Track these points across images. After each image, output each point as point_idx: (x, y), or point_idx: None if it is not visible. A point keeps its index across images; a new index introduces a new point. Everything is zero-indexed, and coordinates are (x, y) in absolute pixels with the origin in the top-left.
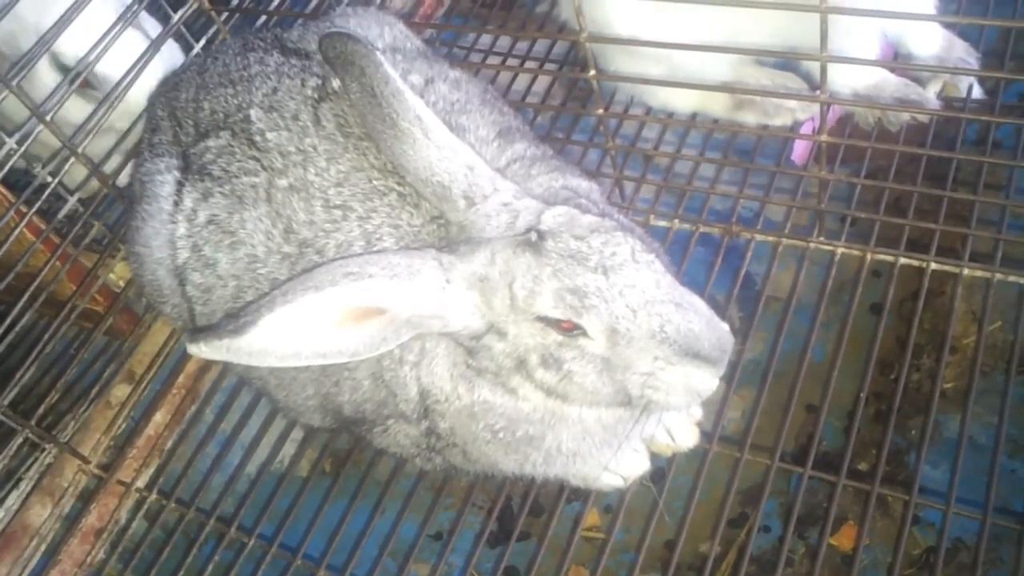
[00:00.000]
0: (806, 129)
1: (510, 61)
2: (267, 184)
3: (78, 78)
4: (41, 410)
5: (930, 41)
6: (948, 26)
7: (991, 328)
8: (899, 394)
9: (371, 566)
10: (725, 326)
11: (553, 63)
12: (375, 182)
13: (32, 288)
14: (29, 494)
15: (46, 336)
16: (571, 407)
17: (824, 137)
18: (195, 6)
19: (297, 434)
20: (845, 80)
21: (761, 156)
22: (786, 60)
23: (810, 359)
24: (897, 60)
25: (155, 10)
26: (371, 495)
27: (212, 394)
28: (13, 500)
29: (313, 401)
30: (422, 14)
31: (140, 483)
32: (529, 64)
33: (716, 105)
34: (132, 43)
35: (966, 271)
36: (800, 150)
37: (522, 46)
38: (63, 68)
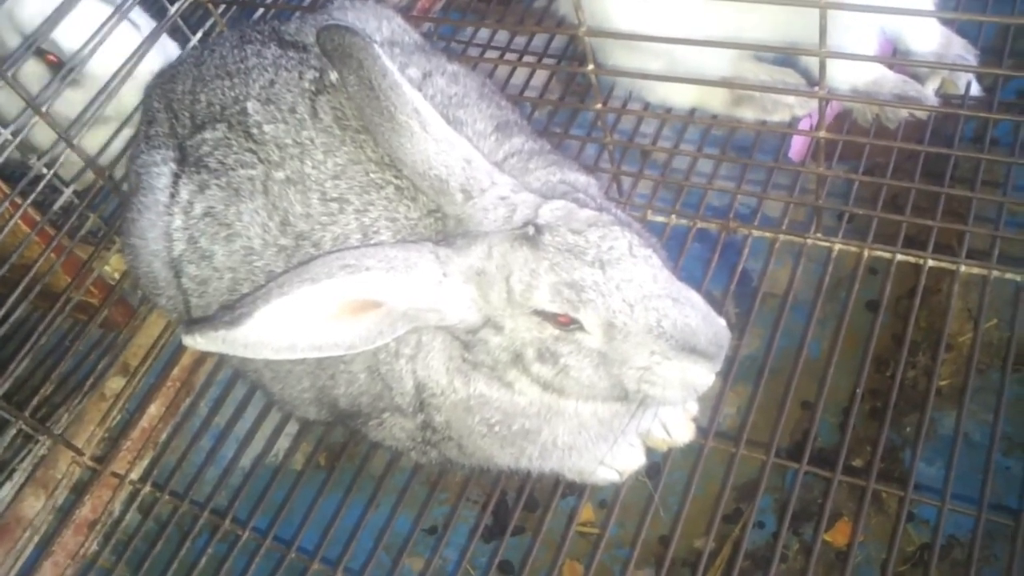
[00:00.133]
0: (804, 126)
1: (508, 56)
2: (264, 176)
3: (36, 48)
4: (35, 402)
5: (929, 38)
6: (946, 23)
7: (987, 326)
8: (895, 391)
9: (365, 559)
10: (722, 321)
11: (551, 58)
12: (372, 175)
13: (27, 280)
14: (23, 485)
15: (40, 328)
16: (567, 401)
17: (822, 133)
18: None
19: (292, 428)
20: (844, 76)
21: (759, 152)
22: (785, 56)
23: (806, 356)
24: (896, 57)
25: (152, 2)
26: (366, 489)
27: (207, 387)
28: (7, 491)
29: (309, 394)
30: (420, 8)
31: (134, 475)
32: (527, 59)
33: (715, 101)
34: (93, 14)
35: (963, 268)
36: (797, 147)
37: (520, 41)
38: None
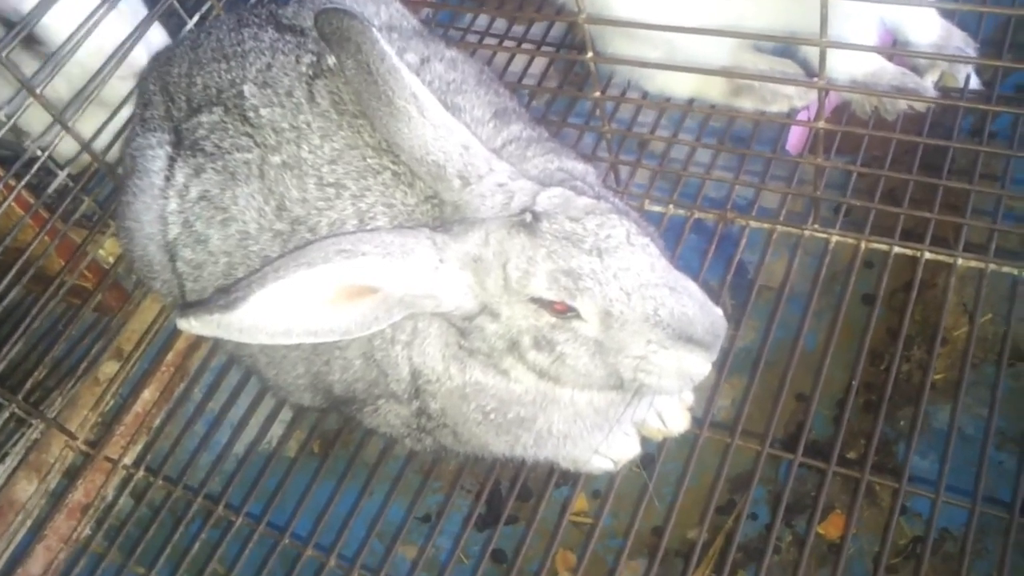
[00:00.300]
0: (802, 118)
1: (506, 43)
2: (260, 161)
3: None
4: (28, 385)
5: (929, 29)
6: (947, 15)
7: (982, 320)
8: (890, 384)
9: (358, 547)
10: (719, 311)
11: (550, 46)
12: (369, 160)
13: (20, 263)
14: (15, 469)
15: (34, 311)
16: (563, 389)
17: (821, 124)
18: None
19: (286, 415)
20: (843, 67)
21: (757, 143)
22: (784, 47)
23: (802, 348)
24: (896, 48)
25: None
26: (359, 476)
27: (201, 373)
28: None
29: (303, 380)
30: None
31: (127, 460)
32: (525, 46)
33: (713, 91)
34: None
35: (960, 261)
36: (795, 140)
37: (518, 29)
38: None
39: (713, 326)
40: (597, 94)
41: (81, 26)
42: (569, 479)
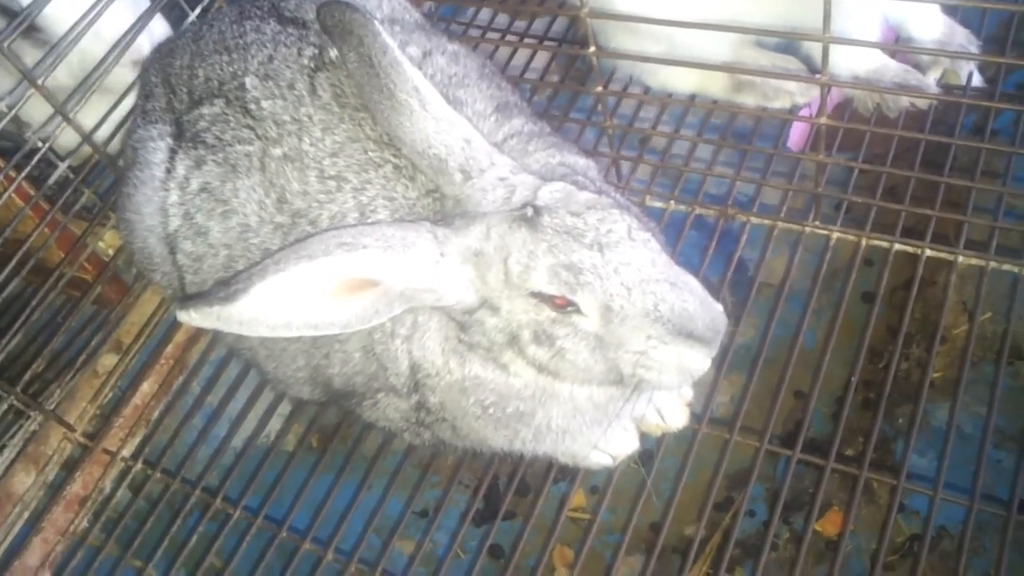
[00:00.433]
0: (804, 115)
1: (508, 38)
2: (261, 153)
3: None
4: (27, 377)
5: (931, 26)
6: (950, 12)
7: (982, 319)
8: (888, 382)
9: (356, 541)
10: (719, 306)
11: (552, 41)
12: (371, 153)
13: (20, 254)
14: (13, 461)
15: (33, 303)
16: (562, 384)
17: (823, 120)
18: None
19: (284, 408)
20: (845, 64)
21: (759, 140)
22: (786, 43)
23: (801, 345)
24: (898, 44)
25: None
26: (357, 471)
27: (200, 366)
28: None
29: (303, 373)
30: None
31: (125, 452)
32: (528, 41)
33: (715, 86)
34: None
35: (960, 258)
36: (796, 137)
37: (521, 24)
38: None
39: (713, 322)
40: (599, 89)
41: (84, 16)
42: (567, 475)
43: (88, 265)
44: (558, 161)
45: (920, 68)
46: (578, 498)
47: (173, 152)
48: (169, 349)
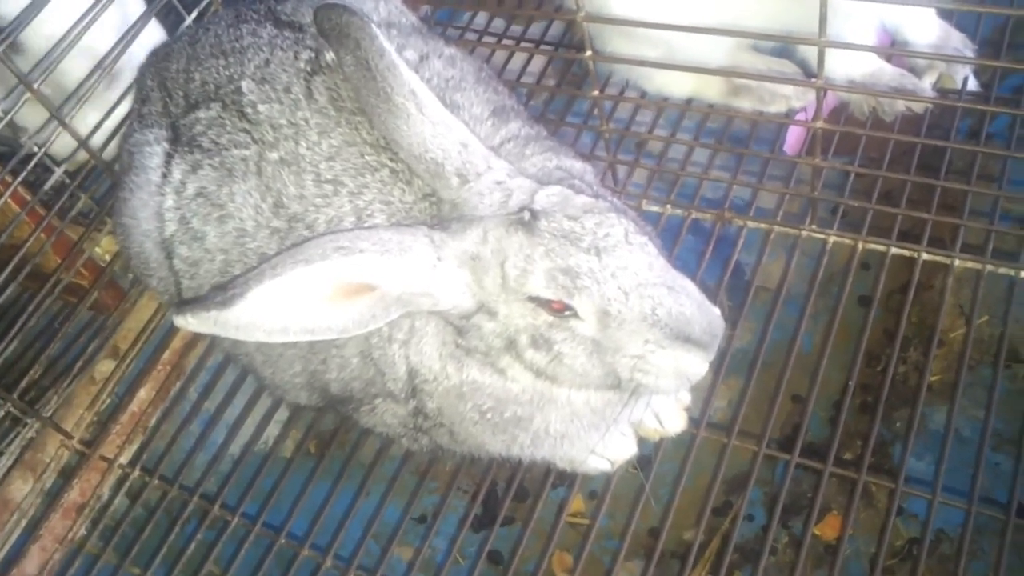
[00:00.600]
0: (800, 119)
1: (505, 42)
2: (257, 157)
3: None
4: (24, 384)
5: (927, 30)
6: (945, 16)
7: (979, 322)
8: (886, 386)
9: (354, 548)
10: (716, 310)
11: (548, 45)
12: (367, 157)
13: (16, 260)
14: (10, 469)
15: (30, 309)
16: (560, 389)
17: (819, 124)
18: None
19: (282, 415)
20: (841, 68)
21: (755, 144)
22: (783, 47)
23: (798, 349)
24: (894, 48)
25: None
26: (355, 477)
27: (197, 372)
28: None
29: (300, 379)
30: None
31: (123, 459)
32: (524, 45)
33: (712, 91)
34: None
35: (957, 262)
36: (793, 141)
37: (517, 27)
38: None
39: (711, 326)
40: (595, 93)
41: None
42: (565, 480)
43: (85, 271)
44: (555, 165)
45: (916, 72)
46: (577, 503)
47: (169, 156)
48: (166, 355)
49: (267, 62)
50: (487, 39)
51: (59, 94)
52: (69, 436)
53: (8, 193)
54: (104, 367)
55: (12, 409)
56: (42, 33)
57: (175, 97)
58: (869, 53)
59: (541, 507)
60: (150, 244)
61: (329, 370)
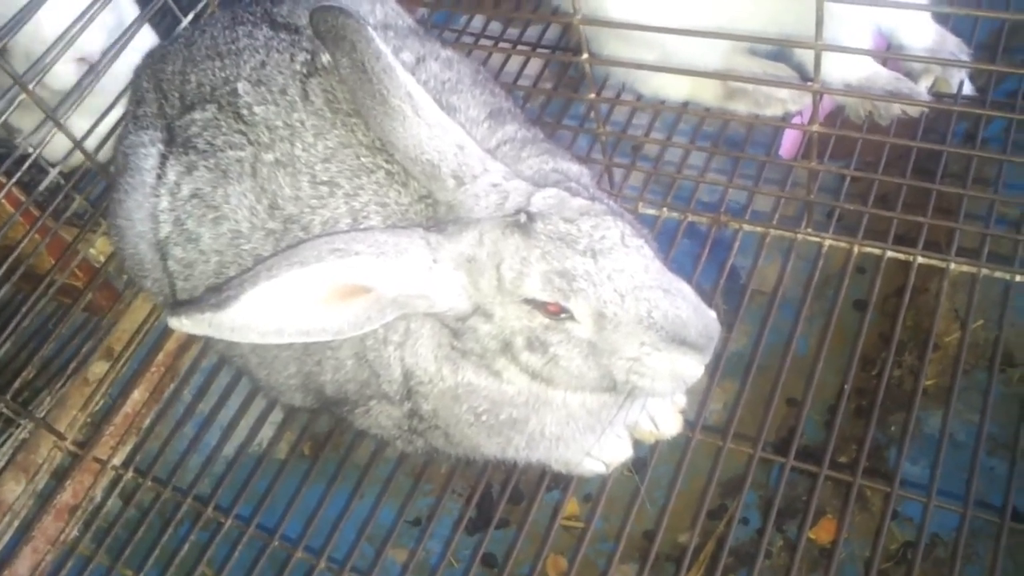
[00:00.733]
0: (796, 123)
1: (501, 45)
2: (253, 159)
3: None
4: (17, 385)
5: (923, 34)
6: (941, 21)
7: (974, 326)
8: (881, 390)
9: (348, 550)
10: (712, 313)
11: (545, 48)
12: (363, 159)
13: (10, 261)
14: (3, 469)
15: (24, 310)
16: (556, 391)
17: (815, 127)
18: None
19: (276, 416)
20: (837, 72)
21: (751, 147)
22: (779, 50)
23: (793, 353)
24: (890, 52)
25: None
26: (350, 479)
27: (191, 373)
28: None
29: (295, 380)
30: None
31: (116, 461)
32: (521, 48)
33: (708, 94)
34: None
35: (952, 266)
36: (788, 144)
37: (514, 31)
38: None
39: (707, 329)
40: (592, 96)
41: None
42: (560, 482)
43: (79, 272)
44: (551, 167)
45: (911, 76)
46: (571, 506)
47: (164, 158)
48: (160, 356)
49: (263, 64)
50: (484, 42)
51: (45, 93)
52: (62, 437)
53: (2, 194)
54: (98, 368)
55: (5, 410)
56: (25, 32)
57: (171, 99)
58: (865, 57)
59: (536, 510)
60: (145, 245)
61: (324, 372)
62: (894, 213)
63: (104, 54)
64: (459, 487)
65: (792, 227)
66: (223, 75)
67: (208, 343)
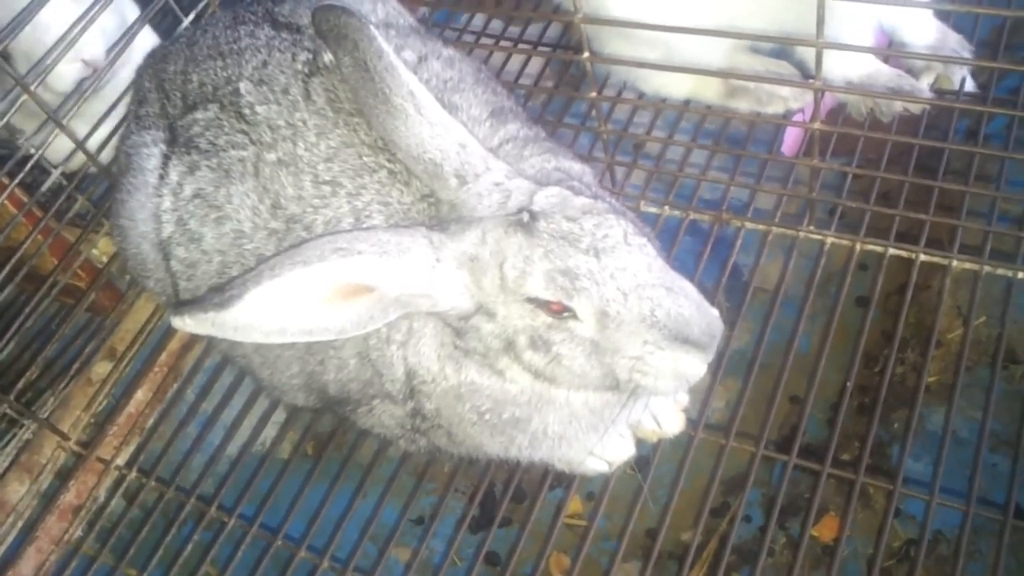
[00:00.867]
0: (798, 120)
1: (503, 43)
2: (255, 158)
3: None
4: (20, 385)
5: (924, 32)
6: (942, 18)
7: (976, 323)
8: (884, 387)
9: (351, 549)
10: (715, 311)
11: (546, 46)
12: (365, 158)
13: (13, 262)
14: (7, 470)
15: (27, 311)
16: (558, 390)
17: (817, 125)
18: None
19: (279, 416)
20: (839, 70)
21: (753, 145)
22: (780, 48)
23: (796, 350)
24: (891, 49)
25: None
26: (353, 478)
27: (194, 373)
28: None
29: (298, 380)
30: None
31: (120, 461)
32: (522, 47)
33: (709, 92)
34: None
35: (955, 263)
36: (790, 142)
37: (515, 29)
38: None
39: (709, 327)
40: (593, 94)
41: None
42: (563, 481)
43: (82, 272)
44: (553, 166)
45: (913, 73)
46: (574, 504)
47: (166, 158)
48: (163, 356)
49: (265, 63)
50: (485, 40)
51: (48, 95)
52: (66, 437)
53: (5, 195)
54: (101, 368)
55: (8, 411)
56: (26, 34)
57: (173, 98)
58: (867, 54)
59: (539, 508)
60: (147, 246)
61: (327, 371)
62: (896, 210)
63: (108, 55)
64: (462, 486)
65: (794, 225)
66: (225, 75)
67: (211, 343)
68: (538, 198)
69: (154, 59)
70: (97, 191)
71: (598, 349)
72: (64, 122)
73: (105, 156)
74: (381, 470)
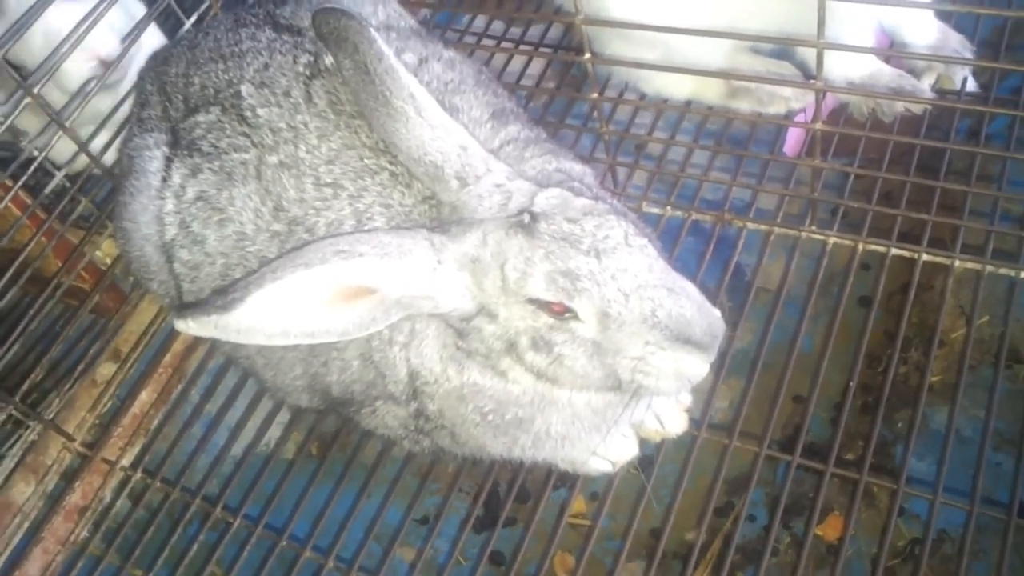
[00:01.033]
0: (799, 121)
1: (504, 44)
2: (257, 161)
3: None
4: (25, 387)
5: (926, 32)
6: (943, 18)
7: (979, 322)
8: (887, 387)
9: (356, 549)
10: (716, 312)
11: (548, 47)
12: (367, 161)
13: (17, 264)
14: (12, 471)
15: (31, 313)
16: (561, 391)
17: (819, 125)
18: None
19: (283, 417)
20: (840, 70)
21: (754, 145)
22: (782, 49)
23: (799, 350)
24: (893, 50)
25: None
26: (357, 478)
27: (198, 374)
28: None
29: (301, 381)
30: None
31: (125, 462)
32: (523, 48)
33: (711, 92)
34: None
35: (957, 263)
36: (792, 142)
37: (516, 30)
38: None
39: (711, 327)
40: (595, 95)
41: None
42: (567, 481)
43: (86, 274)
44: (554, 167)
45: (914, 73)
46: (578, 504)
47: (169, 160)
48: (167, 358)
49: (266, 66)
50: (486, 42)
51: (56, 94)
52: (71, 439)
53: (9, 197)
54: (105, 370)
55: (14, 412)
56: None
57: (174, 101)
58: (868, 54)
59: (543, 508)
60: (150, 248)
61: (330, 373)
62: (898, 210)
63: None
64: (466, 486)
65: (796, 225)
66: (227, 77)
67: (215, 344)
68: (539, 199)
69: (156, 62)
70: (101, 193)
71: (600, 350)
72: (68, 124)
73: (108, 158)
74: (385, 470)
